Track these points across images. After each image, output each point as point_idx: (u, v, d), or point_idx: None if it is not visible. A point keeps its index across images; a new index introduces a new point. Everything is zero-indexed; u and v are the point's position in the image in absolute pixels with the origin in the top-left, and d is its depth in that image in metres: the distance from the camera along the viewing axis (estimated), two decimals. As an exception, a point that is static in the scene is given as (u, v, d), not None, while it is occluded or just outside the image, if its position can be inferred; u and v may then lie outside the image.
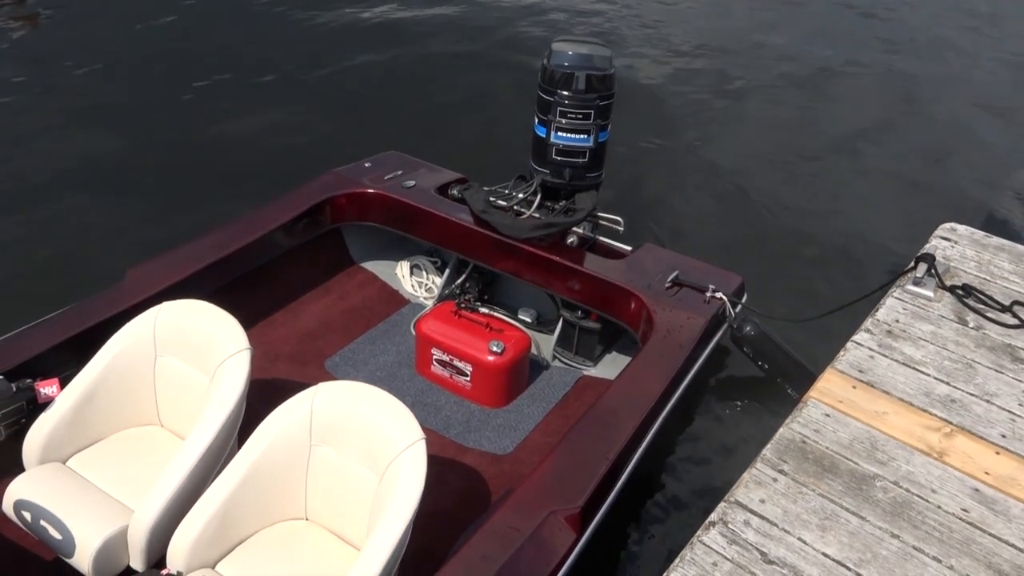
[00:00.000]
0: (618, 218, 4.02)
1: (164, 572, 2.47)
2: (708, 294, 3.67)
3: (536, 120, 3.92)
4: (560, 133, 3.84)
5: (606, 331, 3.94)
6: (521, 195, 4.02)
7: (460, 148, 6.01)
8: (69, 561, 2.62)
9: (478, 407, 3.73)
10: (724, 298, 3.67)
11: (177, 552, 2.53)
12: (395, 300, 4.37)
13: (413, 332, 4.10)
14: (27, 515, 2.67)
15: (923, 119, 7.14)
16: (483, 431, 3.60)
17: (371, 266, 4.51)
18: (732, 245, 5.24)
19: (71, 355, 3.06)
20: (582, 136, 3.84)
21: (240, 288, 3.77)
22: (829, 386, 3.06)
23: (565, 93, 3.76)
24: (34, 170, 5.53)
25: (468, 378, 3.71)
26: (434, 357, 3.79)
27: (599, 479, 2.77)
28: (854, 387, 3.06)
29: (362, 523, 2.70)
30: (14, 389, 2.85)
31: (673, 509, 3.47)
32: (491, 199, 4.04)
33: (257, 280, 3.97)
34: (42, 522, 2.64)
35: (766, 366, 3.88)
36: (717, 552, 2.43)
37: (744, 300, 3.84)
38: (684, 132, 6.72)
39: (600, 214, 4.04)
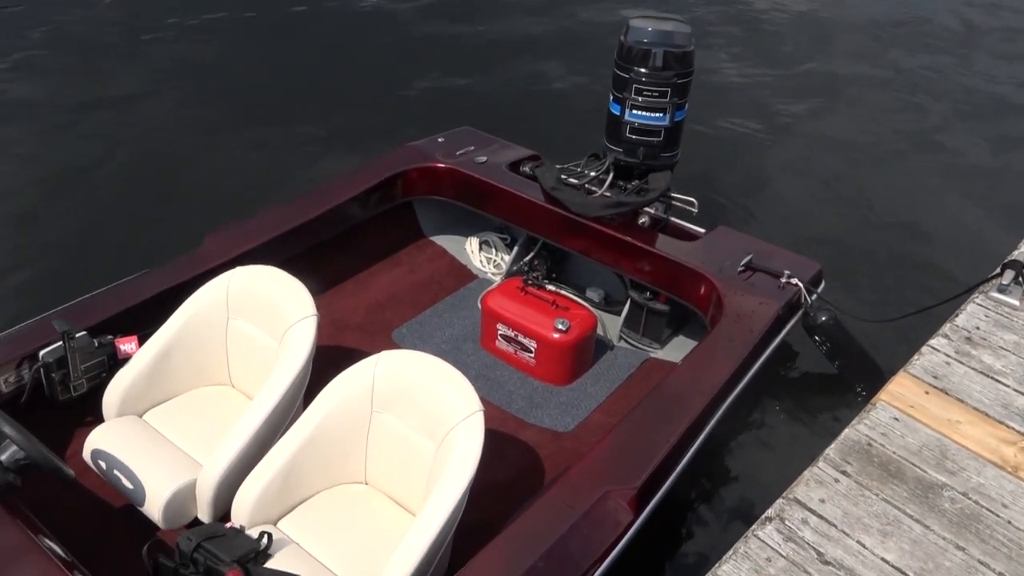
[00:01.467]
0: (692, 199, 3.92)
1: (228, 525, 2.55)
2: (783, 280, 3.55)
3: (611, 98, 3.86)
4: (635, 111, 3.76)
5: (675, 314, 3.86)
6: (593, 173, 3.97)
7: (533, 125, 5.97)
8: (141, 509, 2.74)
9: (541, 384, 3.72)
10: (800, 285, 3.54)
11: (241, 507, 2.62)
12: (463, 275, 4.39)
13: (479, 307, 4.10)
14: (103, 464, 2.80)
15: (1019, 121, 6.71)
16: (545, 408, 3.59)
17: (441, 240, 4.53)
18: (809, 235, 5.05)
19: (150, 314, 3.18)
20: (658, 115, 3.76)
21: (312, 257, 3.85)
22: (900, 390, 2.94)
23: (642, 70, 3.68)
24: (125, 135, 5.77)
25: (532, 355, 3.70)
26: (499, 332, 3.79)
27: (658, 462, 2.73)
28: (927, 392, 2.93)
29: (419, 490, 2.73)
30: (96, 344, 2.99)
31: (729, 500, 3.39)
32: (563, 177, 4.00)
33: (329, 250, 4.04)
34: (117, 471, 2.77)
35: (838, 361, 3.74)
36: (772, 548, 2.36)
37: (821, 288, 3.70)
38: (766, 116, 6.50)
39: (673, 195, 3.95)
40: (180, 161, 5.52)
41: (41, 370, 2.91)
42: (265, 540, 2.51)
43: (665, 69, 3.67)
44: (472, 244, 4.50)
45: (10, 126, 5.80)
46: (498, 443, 3.39)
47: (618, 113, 3.82)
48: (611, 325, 4.08)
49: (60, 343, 2.91)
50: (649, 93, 3.71)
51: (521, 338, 3.71)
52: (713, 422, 3.03)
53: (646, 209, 3.92)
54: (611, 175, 3.94)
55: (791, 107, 6.63)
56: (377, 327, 3.98)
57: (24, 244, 4.70)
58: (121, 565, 2.59)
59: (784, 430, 3.73)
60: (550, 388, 3.71)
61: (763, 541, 2.36)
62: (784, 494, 2.52)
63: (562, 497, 2.56)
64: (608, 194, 3.89)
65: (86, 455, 2.87)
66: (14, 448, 2.51)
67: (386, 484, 2.84)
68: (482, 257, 4.46)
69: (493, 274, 4.40)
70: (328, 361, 3.48)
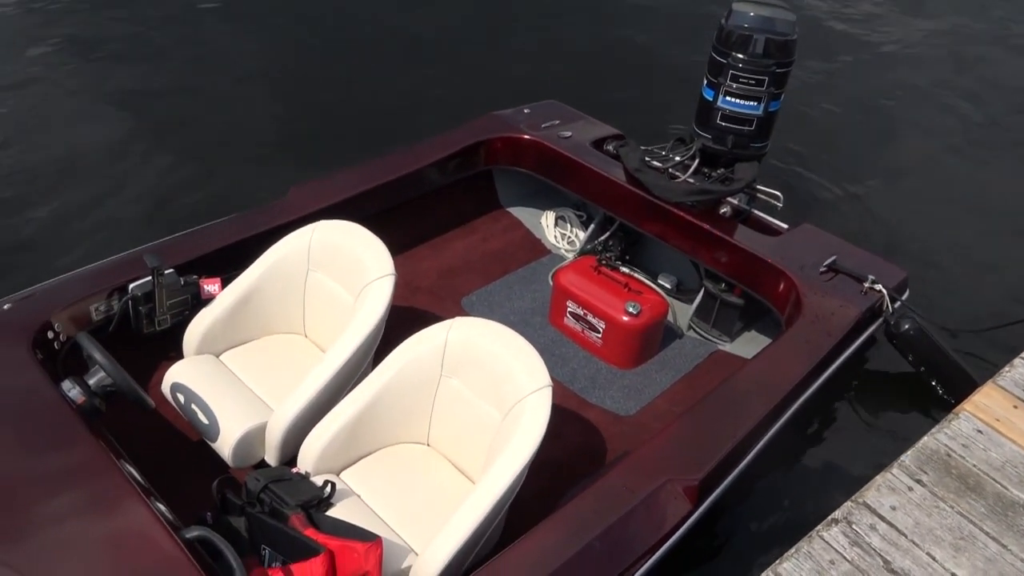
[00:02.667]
0: (778, 193, 3.83)
1: (294, 471, 2.62)
2: (866, 284, 3.45)
3: (705, 82, 3.77)
4: (728, 98, 3.68)
5: (748, 308, 3.79)
6: (678, 158, 3.90)
7: (620, 103, 5.89)
8: (212, 445, 2.84)
9: (606, 365, 3.71)
10: (883, 291, 3.44)
11: (307, 455, 2.69)
12: (536, 248, 4.38)
13: (550, 282, 4.10)
14: (181, 398, 2.91)
15: None
16: (608, 389, 3.58)
17: (517, 212, 4.53)
18: (898, 239, 4.89)
19: (234, 258, 3.27)
20: (752, 103, 3.66)
21: (390, 218, 3.89)
22: (987, 401, 2.83)
23: (740, 56, 3.58)
24: (219, 88, 5.90)
25: (600, 335, 3.69)
26: (568, 309, 3.79)
27: (722, 456, 2.70)
28: (1015, 407, 2.81)
29: (479, 457, 2.76)
30: (182, 283, 3.09)
31: (793, 498, 3.33)
32: (647, 159, 3.94)
33: (407, 212, 4.08)
34: (193, 407, 2.87)
35: (922, 368, 3.62)
36: (836, 550, 2.32)
37: (905, 296, 3.58)
38: (865, 112, 6.28)
39: (759, 187, 3.86)
40: (272, 114, 5.62)
41: (129, 302, 3.02)
42: (328, 489, 2.57)
43: (765, 57, 3.57)
44: (548, 218, 4.49)
45: (130, 79, 5.99)
46: (558, 419, 3.40)
47: (711, 99, 3.74)
48: (681, 313, 4.03)
49: (149, 278, 3.01)
50: (745, 80, 3.62)
51: (590, 317, 3.70)
52: (782, 421, 2.98)
53: (729, 199, 3.84)
54: (696, 161, 3.87)
55: (891, 105, 6.39)
56: (447, 292, 4.01)
57: (130, 181, 4.88)
58: (191, 496, 2.69)
59: (857, 432, 3.64)
60: (614, 370, 3.69)
61: (827, 543, 2.32)
62: (853, 497, 2.46)
63: (622, 480, 2.56)
64: (692, 180, 3.82)
65: (165, 388, 2.98)
66: (102, 374, 2.62)
67: (447, 448, 2.88)
68: (557, 232, 4.44)
69: (566, 250, 4.38)
70: (396, 321, 3.53)
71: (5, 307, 2.85)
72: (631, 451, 3.11)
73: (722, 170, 3.85)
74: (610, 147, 4.19)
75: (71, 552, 2.06)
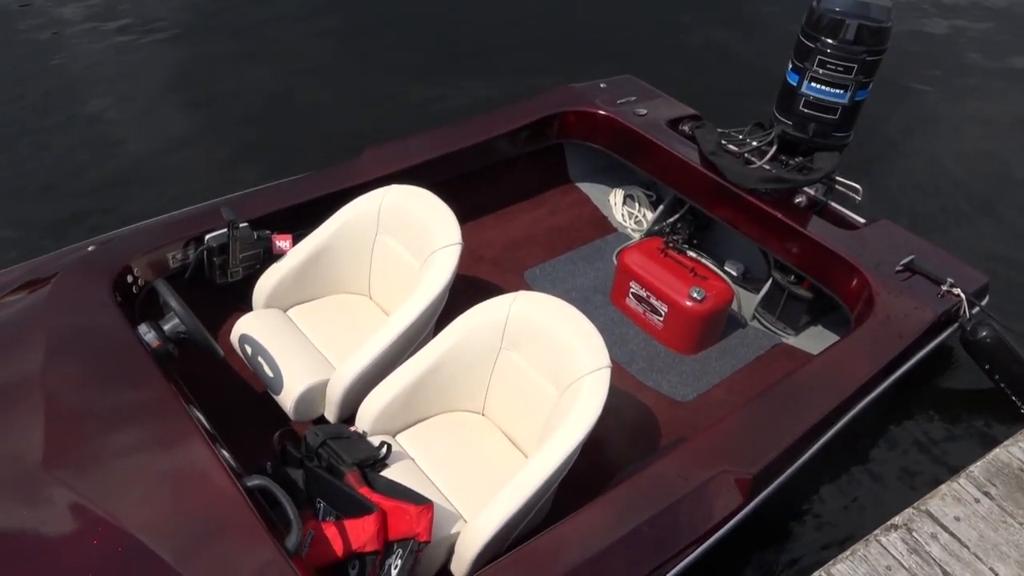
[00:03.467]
0: (857, 186, 3.71)
1: (352, 429, 2.68)
2: (944, 287, 3.33)
3: (790, 66, 3.66)
4: (814, 84, 3.56)
5: (817, 302, 3.70)
6: (755, 143, 3.80)
7: (699, 82, 5.75)
8: (275, 397, 2.92)
9: (665, 349, 3.67)
10: (962, 296, 3.31)
11: (366, 414, 2.74)
12: (603, 226, 4.34)
13: (615, 261, 4.07)
14: (248, 349, 2.99)
15: None
16: (665, 374, 3.55)
17: (586, 188, 4.49)
18: (983, 243, 4.68)
19: (306, 216, 3.33)
20: (838, 91, 3.54)
21: (459, 185, 3.90)
22: (1066, 417, 2.71)
23: (829, 41, 3.46)
24: (308, 47, 5.97)
25: (662, 318, 3.65)
26: (631, 290, 3.75)
27: (779, 452, 2.66)
28: (1096, 425, 2.69)
29: (533, 432, 2.78)
30: (255, 237, 3.16)
31: (851, 500, 3.26)
32: (723, 142, 3.85)
33: (476, 181, 4.08)
34: (259, 358, 2.94)
35: (997, 378, 3.49)
36: (894, 556, 2.27)
37: (984, 303, 3.45)
38: (957, 107, 6.00)
39: (838, 178, 3.75)
40: (348, 80, 5.66)
41: (205, 253, 3.10)
42: (384, 450, 2.62)
43: (856, 43, 3.43)
44: (616, 196, 4.44)
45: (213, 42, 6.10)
46: (613, 400, 3.37)
47: (795, 84, 3.63)
48: (746, 302, 3.96)
49: (225, 231, 3.08)
50: (833, 67, 3.50)
51: (653, 300, 3.66)
52: (844, 421, 2.92)
53: (805, 189, 3.74)
54: (774, 148, 3.77)
55: (985, 103, 6.10)
56: (510, 264, 4.01)
57: (212, 135, 5.00)
58: (253, 445, 2.77)
59: (922, 438, 3.53)
60: (673, 355, 3.66)
61: (885, 548, 2.28)
62: (915, 504, 2.40)
63: (675, 467, 2.55)
64: (768, 167, 3.73)
65: (233, 339, 3.07)
66: (176, 321, 2.71)
67: (502, 419, 2.90)
68: (625, 211, 4.39)
69: (633, 230, 4.33)
70: (459, 289, 3.55)
71: (89, 249, 2.96)
72: (685, 438, 3.09)
73: (800, 158, 3.75)
74: (686, 128, 4.11)
75: (135, 487, 2.15)
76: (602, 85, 4.40)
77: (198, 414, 2.54)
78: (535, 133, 4.14)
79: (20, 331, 2.57)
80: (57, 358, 2.44)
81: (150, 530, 2.03)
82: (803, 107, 3.63)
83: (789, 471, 2.76)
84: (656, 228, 4.20)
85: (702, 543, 2.45)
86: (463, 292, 3.63)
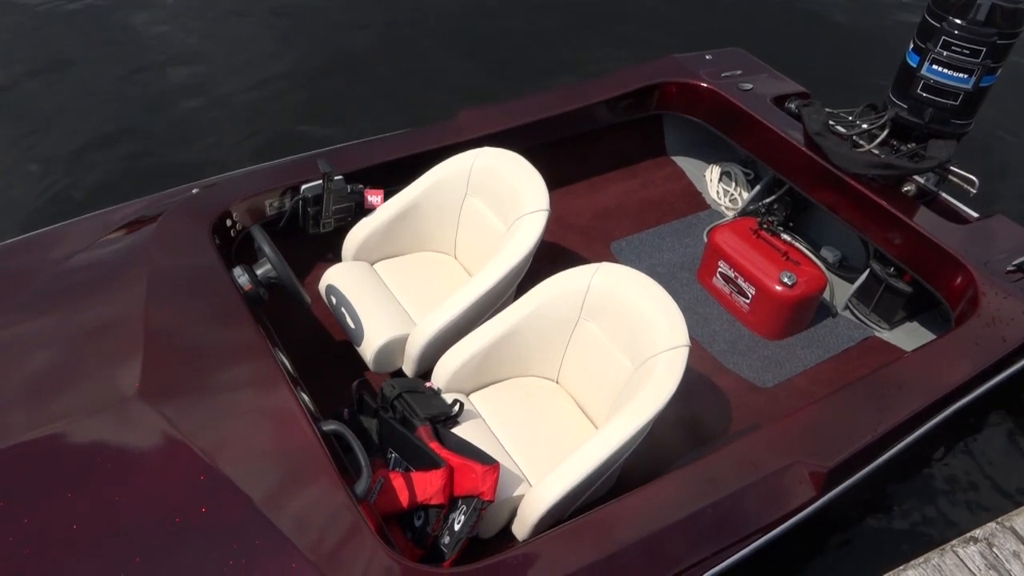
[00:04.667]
0: (973, 178, 3.48)
1: (427, 385, 2.74)
2: (1059, 292, 3.12)
3: (911, 46, 3.45)
4: (935, 67, 3.35)
5: (916, 297, 3.53)
6: (866, 126, 3.62)
7: (810, 59, 5.51)
8: (356, 348, 3.01)
9: (749, 332, 3.58)
10: (1079, 302, 3.09)
11: (442, 372, 2.79)
12: (696, 202, 4.25)
13: (705, 239, 3.98)
14: (333, 299, 3.08)
15: None
16: (747, 357, 3.47)
17: (682, 161, 4.39)
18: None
19: (398, 173, 3.38)
20: (961, 75, 3.32)
21: (553, 151, 3.87)
22: None
23: (957, 21, 3.24)
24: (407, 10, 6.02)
25: (748, 301, 3.56)
26: (719, 269, 3.67)
27: (858, 448, 2.57)
28: None
29: (605, 403, 2.77)
30: (349, 190, 3.23)
31: (928, 506, 3.13)
32: (830, 123, 3.68)
33: (570, 148, 4.05)
34: (343, 309, 3.03)
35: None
36: (970, 570, 2.17)
37: None
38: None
39: (952, 168, 3.53)
40: (449, 39, 5.68)
41: (300, 203, 3.20)
42: (457, 408, 2.67)
43: (987, 25, 3.20)
44: (713, 172, 4.32)
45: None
46: (691, 379, 3.34)
47: (915, 65, 3.42)
48: (839, 291, 3.81)
49: (320, 182, 3.17)
50: (959, 49, 3.28)
51: (741, 281, 3.57)
52: (932, 424, 2.79)
53: (915, 177, 3.55)
54: (886, 132, 3.58)
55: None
56: (598, 234, 3.98)
57: (311, 87, 5.13)
58: (332, 392, 2.87)
59: (1014, 451, 3.35)
60: (757, 339, 3.57)
61: (961, 560, 2.18)
62: (999, 519, 2.29)
63: (748, 453, 2.50)
64: (877, 152, 3.55)
65: (320, 288, 3.17)
66: (269, 266, 2.82)
67: (575, 389, 2.91)
68: (720, 188, 4.28)
69: (727, 208, 4.22)
70: (543, 255, 3.55)
71: (193, 192, 3.10)
72: (762, 425, 3.02)
73: (913, 144, 3.55)
74: (792, 105, 3.95)
75: (220, 422, 2.26)
76: (708, 57, 4.26)
77: (283, 357, 2.64)
78: (634, 102, 4.07)
79: (125, 266, 2.72)
80: (157, 294, 2.58)
81: (230, 463, 2.14)
82: (921, 90, 3.42)
83: (866, 469, 2.66)
84: (751, 208, 4.08)
85: (767, 532, 2.40)
86: (547, 258, 3.63)
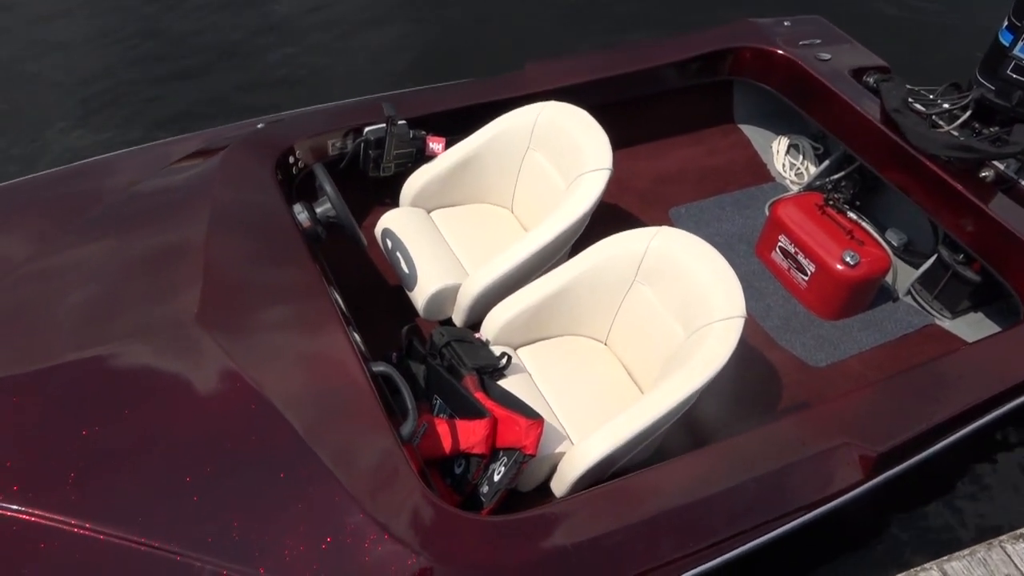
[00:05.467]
0: None
1: (476, 335, 2.75)
2: None
3: (1004, 24, 3.28)
4: None
5: (983, 287, 3.41)
6: (947, 105, 3.46)
7: (897, 31, 5.28)
8: (408, 293, 3.02)
9: (804, 309, 3.51)
10: None
11: (491, 324, 2.79)
12: (760, 173, 4.14)
13: (766, 212, 3.89)
14: (389, 243, 3.09)
15: None
16: (800, 335, 3.40)
17: (749, 131, 4.28)
18: None
19: (461, 122, 3.35)
20: None
21: (617, 111, 3.80)
22: None
23: None
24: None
25: (807, 277, 3.48)
26: (778, 244, 3.58)
27: (910, 436, 2.51)
28: None
29: (653, 369, 2.75)
30: (411, 136, 3.22)
31: (976, 502, 3.05)
32: (910, 100, 3.53)
33: (636, 108, 3.97)
34: (398, 253, 3.04)
35: None
36: (1017, 566, 2.13)
37: None
38: None
39: (1037, 156, 3.37)
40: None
41: (362, 145, 3.20)
42: (504, 360, 2.68)
43: None
44: (780, 144, 4.20)
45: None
46: (740, 352, 3.29)
47: (1007, 44, 3.26)
48: (903, 275, 3.70)
49: (383, 125, 3.16)
50: None
51: (801, 257, 3.48)
52: (988, 419, 2.71)
53: (995, 163, 3.40)
54: (968, 113, 3.42)
55: None
56: (657, 198, 3.91)
57: (385, 28, 5.10)
58: (381, 334, 2.90)
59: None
60: (812, 317, 3.49)
61: (1009, 556, 2.13)
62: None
63: (795, 430, 2.46)
64: (956, 133, 3.40)
65: (376, 231, 3.18)
66: (328, 205, 2.83)
67: (623, 352, 2.89)
68: (787, 160, 4.16)
69: (792, 182, 4.10)
70: (600, 216, 3.50)
71: (259, 126, 3.12)
72: (811, 404, 2.97)
73: (996, 128, 3.39)
74: (871, 79, 3.79)
75: (273, 354, 2.30)
76: (786, 23, 4.11)
77: (337, 297, 2.67)
78: (706, 66, 3.95)
79: (189, 196, 2.76)
80: (219, 225, 2.61)
81: (280, 395, 2.18)
82: (1011, 71, 3.26)
83: (917, 458, 2.61)
84: (817, 183, 3.96)
85: (809, 511, 2.37)
86: (603, 219, 3.58)
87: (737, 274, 2.52)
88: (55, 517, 1.90)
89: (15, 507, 1.90)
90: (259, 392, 2.17)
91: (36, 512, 1.90)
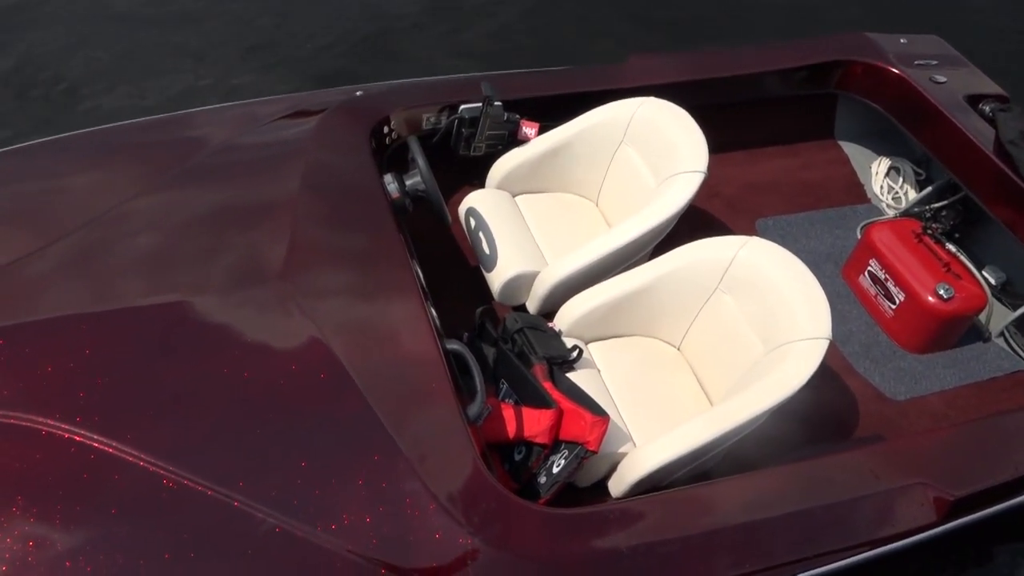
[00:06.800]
0: None
1: (549, 325, 2.73)
2: None
3: None
4: None
5: (1085, 338, 3.23)
6: None
7: (1018, 58, 5.01)
8: (486, 275, 3.02)
9: (888, 339, 3.38)
10: None
11: (566, 316, 2.77)
12: (856, 193, 3.99)
13: (859, 233, 3.75)
14: (472, 222, 3.09)
15: None
16: (881, 365, 3.27)
17: (849, 148, 4.13)
18: None
19: (556, 109, 3.31)
20: None
21: (715, 113, 3.69)
22: None
23: None
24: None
25: (894, 306, 3.34)
26: (868, 268, 3.45)
27: (991, 484, 2.39)
28: None
29: (726, 381, 2.68)
30: (505, 118, 3.20)
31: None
32: (1029, 133, 3.35)
33: (733, 113, 3.86)
34: (480, 234, 3.04)
35: None
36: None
37: None
38: None
39: None
40: None
41: (456, 122, 3.20)
42: (575, 353, 2.65)
43: None
44: (881, 165, 4.04)
45: None
46: (817, 374, 3.18)
47: None
48: (997, 316, 3.53)
49: (479, 105, 3.15)
50: None
51: (891, 284, 3.35)
52: None
53: (1115, 208, 3.20)
54: (1091, 153, 3.23)
55: None
56: (745, 207, 3.81)
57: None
58: (456, 313, 2.89)
59: None
60: (896, 348, 3.35)
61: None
62: None
63: (869, 462, 2.37)
64: (1076, 173, 3.22)
65: (461, 209, 3.18)
66: (418, 179, 2.84)
67: (696, 360, 2.83)
68: (886, 183, 4.00)
69: (889, 205, 3.95)
70: (685, 219, 3.43)
71: (357, 93, 3.15)
72: (886, 436, 2.87)
73: (1121, 173, 3.19)
74: (987, 108, 3.61)
75: (352, 319, 2.31)
76: (902, 41, 3.94)
77: (418, 270, 2.68)
78: (812, 77, 3.83)
79: (284, 155, 2.80)
80: (310, 186, 2.64)
81: (354, 361, 2.19)
82: None
83: (995, 508, 2.48)
84: (916, 210, 3.80)
85: (874, 547, 2.28)
86: (687, 222, 3.49)
87: None
88: (130, 451, 1.96)
89: (96, 436, 1.96)
90: (333, 355, 2.19)
91: (113, 444, 1.96)
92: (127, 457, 1.95)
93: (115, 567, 1.81)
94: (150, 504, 1.91)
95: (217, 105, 3.14)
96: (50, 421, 1.98)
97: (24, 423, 1.98)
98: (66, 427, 1.98)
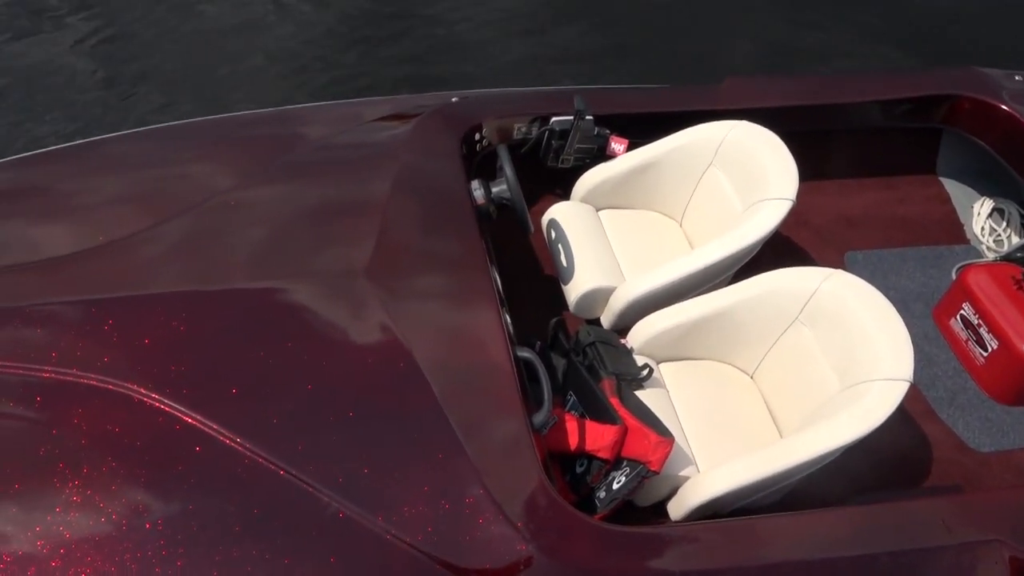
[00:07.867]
0: None
1: (622, 341, 2.73)
2: None
3: None
4: None
5: None
6: None
7: None
8: (563, 286, 3.05)
9: (976, 387, 3.24)
10: None
11: (640, 333, 2.77)
12: (954, 233, 3.84)
13: (954, 275, 3.61)
14: (553, 233, 3.13)
15: None
16: (966, 413, 3.14)
17: (951, 186, 3.97)
18: None
19: (647, 127, 3.32)
20: None
21: (810, 140, 3.63)
22: None
23: None
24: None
25: (986, 353, 3.20)
26: (961, 311, 3.32)
27: None
28: None
29: (797, 414, 2.63)
30: (595, 132, 3.22)
31: None
32: None
33: (830, 141, 3.78)
34: (560, 245, 3.07)
35: None
36: None
37: None
38: None
39: None
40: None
41: (546, 133, 3.24)
42: (645, 372, 2.65)
43: None
44: (984, 206, 3.88)
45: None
46: (896, 416, 3.07)
47: None
48: (1099, 373, 3.33)
49: (571, 118, 3.18)
50: None
51: (984, 331, 3.21)
52: None
53: None
54: None
55: None
56: (834, 239, 3.72)
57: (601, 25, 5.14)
58: (530, 321, 2.92)
59: None
60: (983, 397, 3.21)
61: None
62: None
63: (944, 513, 2.28)
64: None
65: (543, 220, 3.22)
66: (504, 187, 2.90)
67: (769, 390, 2.78)
68: (988, 224, 3.84)
69: (989, 248, 3.78)
70: (767, 246, 3.38)
71: (453, 100, 3.23)
72: (964, 488, 2.76)
73: None
74: None
75: (429, 319, 2.38)
76: (1017, 78, 3.78)
77: (496, 276, 2.73)
78: (916, 110, 3.71)
79: (379, 154, 2.90)
80: (401, 187, 2.73)
81: (428, 360, 2.25)
82: None
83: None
84: (1019, 255, 3.63)
85: (942, 603, 2.20)
86: (773, 250, 3.44)
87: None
88: (213, 426, 2.07)
89: (183, 408, 2.08)
90: (409, 352, 2.25)
91: (199, 417, 2.07)
92: (209, 431, 2.06)
93: (189, 533, 1.92)
94: (227, 478, 2.01)
95: (322, 103, 3.27)
96: (142, 390, 2.11)
97: (120, 389, 2.11)
98: (156, 396, 2.10)
